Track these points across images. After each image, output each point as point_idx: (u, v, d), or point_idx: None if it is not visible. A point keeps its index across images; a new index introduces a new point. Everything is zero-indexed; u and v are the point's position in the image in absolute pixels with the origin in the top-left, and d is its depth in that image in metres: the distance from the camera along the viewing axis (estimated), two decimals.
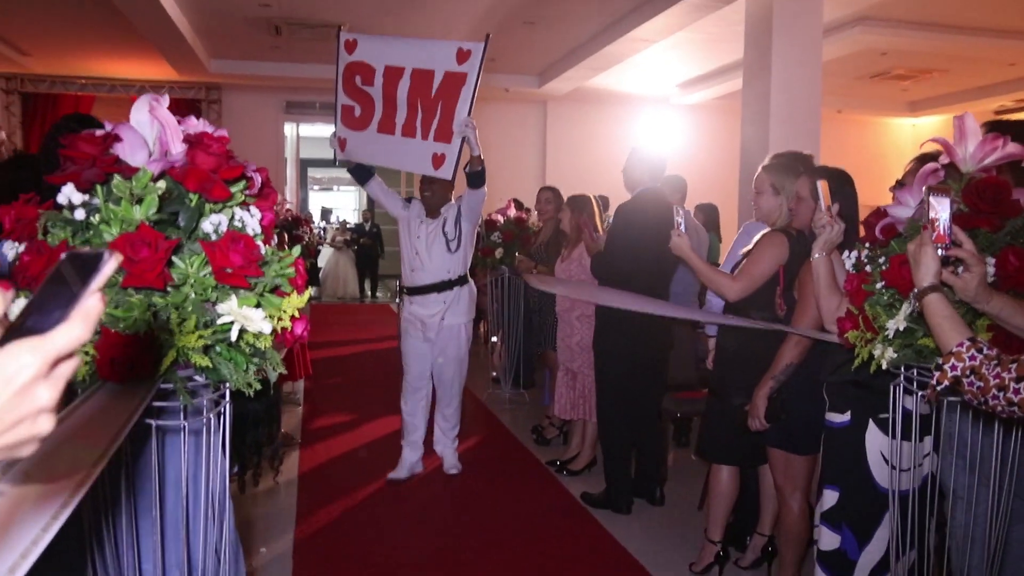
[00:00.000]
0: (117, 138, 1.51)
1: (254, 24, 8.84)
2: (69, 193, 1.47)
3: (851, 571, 2.46)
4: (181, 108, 11.39)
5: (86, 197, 1.49)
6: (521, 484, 4.45)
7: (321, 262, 13.44)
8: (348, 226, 14.77)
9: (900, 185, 2.25)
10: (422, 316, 4.25)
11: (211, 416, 1.66)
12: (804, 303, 2.68)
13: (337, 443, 5.14)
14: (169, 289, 1.48)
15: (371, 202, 13.56)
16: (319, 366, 6.69)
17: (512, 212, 6.49)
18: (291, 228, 6.91)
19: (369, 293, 14.25)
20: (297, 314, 1.63)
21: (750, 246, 3.06)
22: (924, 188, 1.77)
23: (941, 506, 2.31)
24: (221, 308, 1.51)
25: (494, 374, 6.74)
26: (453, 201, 4.26)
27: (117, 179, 1.49)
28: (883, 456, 2.36)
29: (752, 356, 2.93)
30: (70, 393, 1.24)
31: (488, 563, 3.46)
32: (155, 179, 1.52)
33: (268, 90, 12.05)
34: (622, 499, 3.99)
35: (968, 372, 1.53)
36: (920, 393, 2.00)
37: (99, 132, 1.52)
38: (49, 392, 0.57)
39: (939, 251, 1.68)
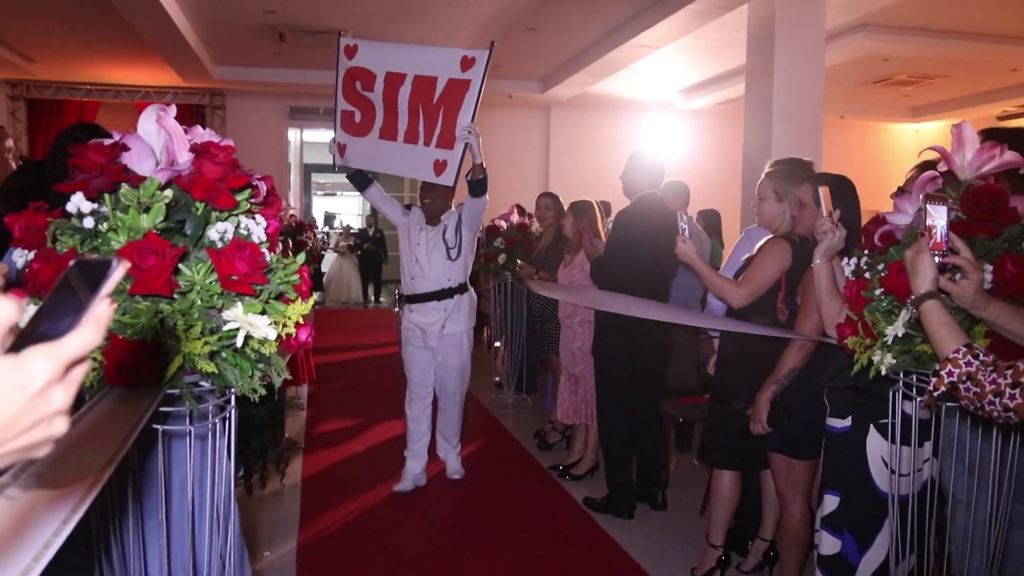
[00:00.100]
0: (125, 147, 1.54)
1: (258, 31, 8.89)
2: (78, 202, 1.49)
3: (852, 575, 2.47)
4: (185, 114, 11.41)
5: (94, 205, 1.52)
6: (524, 489, 4.46)
7: (325, 267, 13.50)
8: (352, 231, 14.81)
9: (901, 192, 2.26)
10: (422, 324, 4.22)
11: (216, 421, 1.68)
12: (806, 308, 2.70)
13: (341, 447, 5.16)
14: (176, 296, 1.50)
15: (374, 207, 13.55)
16: (322, 371, 6.71)
17: (515, 218, 6.51)
18: (295, 234, 6.95)
19: (373, 298, 14.28)
20: (302, 320, 1.65)
21: (753, 252, 3.08)
22: (921, 196, 1.79)
23: (941, 510, 2.32)
24: (227, 315, 1.53)
25: (497, 379, 6.76)
26: (453, 208, 4.24)
27: (125, 188, 1.51)
28: (884, 461, 2.37)
29: (754, 361, 2.95)
30: (78, 399, 1.26)
31: (491, 567, 3.48)
32: (162, 188, 1.54)
33: (272, 96, 12.09)
34: (624, 504, 4.01)
35: (964, 378, 1.54)
36: (919, 399, 2.01)
37: (107, 141, 1.55)
38: (64, 395, 0.60)
39: (936, 258, 1.70)
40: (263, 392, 1.63)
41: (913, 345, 1.95)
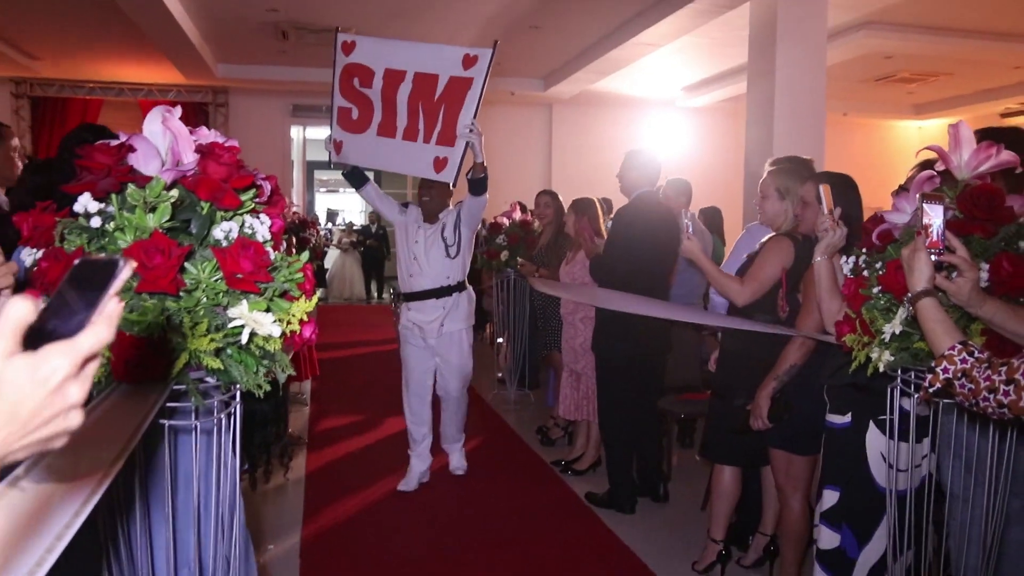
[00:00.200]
0: (131, 148, 1.56)
1: (261, 29, 8.91)
2: (85, 202, 1.51)
3: (850, 570, 2.50)
4: (188, 112, 11.47)
5: (101, 205, 1.54)
6: (526, 484, 4.49)
7: (327, 264, 13.53)
8: (354, 228, 14.84)
9: (902, 190, 2.28)
10: (421, 322, 4.20)
11: (222, 416, 1.70)
12: (808, 306, 2.72)
13: (344, 443, 5.19)
14: (182, 294, 1.53)
15: None
16: (325, 366, 6.74)
17: (517, 215, 6.53)
18: (298, 231, 6.98)
19: (375, 294, 14.31)
20: (306, 317, 1.68)
21: (755, 249, 3.10)
22: (918, 195, 1.81)
23: (940, 506, 2.34)
24: (232, 312, 1.56)
25: (500, 375, 6.79)
26: (452, 207, 4.23)
27: (131, 188, 1.53)
28: (883, 457, 2.39)
29: (755, 357, 2.97)
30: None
31: (493, 562, 3.50)
32: (168, 188, 1.56)
33: (275, 94, 12.11)
34: (626, 499, 4.03)
35: (960, 375, 1.56)
36: (916, 395, 2.03)
37: (113, 143, 1.57)
38: (79, 390, 0.63)
39: (933, 256, 1.72)
40: (268, 388, 1.66)
41: (911, 342, 1.97)
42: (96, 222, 1.53)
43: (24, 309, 0.61)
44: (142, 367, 1.48)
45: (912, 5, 7.39)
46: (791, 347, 2.81)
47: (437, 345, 4.24)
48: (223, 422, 1.71)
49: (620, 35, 8.51)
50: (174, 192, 1.57)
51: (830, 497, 2.54)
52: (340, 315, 11.77)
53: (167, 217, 1.54)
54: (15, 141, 3.29)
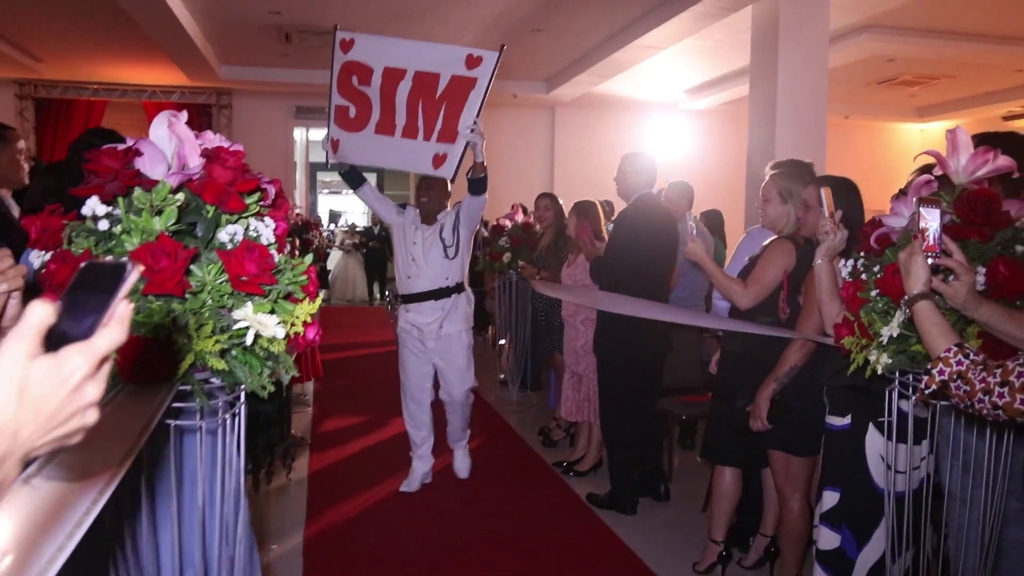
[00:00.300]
0: (138, 152, 1.59)
1: (264, 31, 8.94)
2: (93, 205, 1.54)
3: (850, 570, 2.51)
4: (192, 113, 11.47)
5: (109, 208, 1.57)
6: (528, 485, 4.51)
7: (330, 265, 13.55)
8: (357, 229, 14.85)
9: (902, 194, 2.30)
10: (419, 324, 4.18)
11: (227, 417, 1.73)
12: (808, 308, 2.74)
13: (346, 444, 5.21)
14: (187, 296, 1.55)
15: None
16: (328, 368, 6.76)
17: (520, 217, 6.56)
18: (301, 232, 7.00)
19: (378, 296, 14.33)
20: (309, 319, 1.70)
21: (757, 252, 3.12)
22: (915, 199, 1.83)
23: (939, 507, 2.36)
24: (237, 314, 1.58)
25: (502, 376, 6.82)
26: (450, 208, 4.21)
27: (138, 191, 1.56)
28: (882, 458, 2.41)
29: (756, 359, 2.98)
30: None
31: (495, 562, 3.52)
32: (174, 191, 1.59)
33: (278, 96, 12.14)
34: (627, 500, 4.05)
35: (955, 377, 1.58)
36: (914, 397, 2.05)
37: (121, 147, 1.59)
38: (96, 389, 0.67)
39: (929, 260, 1.73)
40: (272, 389, 1.68)
41: (908, 345, 1.99)
42: (103, 225, 1.56)
43: (45, 312, 0.64)
44: (148, 368, 1.50)
45: (914, 8, 7.41)
46: (791, 349, 2.83)
47: (436, 347, 4.21)
48: (228, 422, 1.73)
49: (623, 38, 8.53)
50: (180, 196, 1.60)
51: (830, 498, 2.56)
52: (343, 316, 11.79)
53: (173, 220, 1.56)
54: (21, 143, 3.31)
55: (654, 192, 4.18)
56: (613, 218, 5.17)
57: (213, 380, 1.64)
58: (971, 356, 1.58)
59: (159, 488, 1.79)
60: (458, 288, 4.20)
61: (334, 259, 14.02)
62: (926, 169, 2.47)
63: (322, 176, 17.50)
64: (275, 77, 11.08)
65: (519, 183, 11.57)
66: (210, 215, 1.63)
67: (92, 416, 0.68)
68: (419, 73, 3.78)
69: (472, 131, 3.72)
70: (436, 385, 4.39)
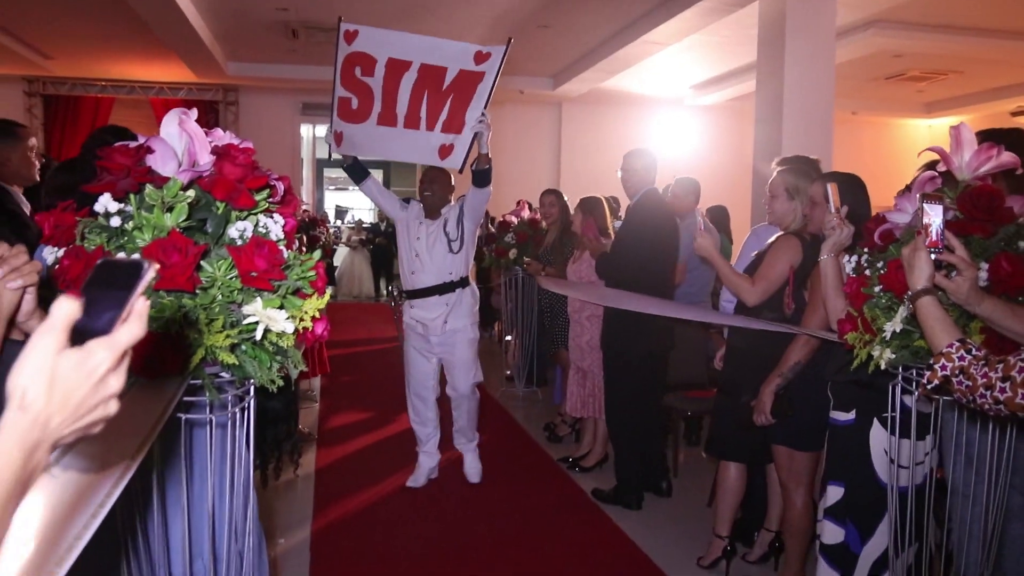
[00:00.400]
0: (149, 150, 1.61)
1: (271, 28, 8.97)
2: (105, 202, 1.56)
3: (853, 564, 2.53)
4: (199, 110, 11.50)
5: (121, 205, 1.59)
6: (534, 480, 4.53)
7: (337, 261, 13.59)
8: (364, 225, 14.88)
9: (907, 191, 2.31)
10: (424, 319, 4.16)
11: (236, 411, 1.75)
12: (814, 304, 2.75)
13: (353, 440, 5.25)
14: (198, 291, 1.57)
15: None
16: (335, 364, 6.79)
17: (526, 213, 6.58)
18: (308, 229, 7.03)
19: (384, 292, 14.35)
20: (318, 314, 1.72)
21: (763, 248, 3.13)
22: (919, 195, 1.84)
23: (941, 502, 2.37)
24: (246, 309, 1.60)
25: (508, 372, 6.84)
26: (453, 202, 4.19)
27: (149, 188, 1.58)
28: (886, 453, 2.42)
29: (761, 355, 2.99)
30: None
31: (500, 557, 3.55)
32: (185, 188, 1.61)
33: (285, 92, 12.17)
34: (632, 495, 4.07)
35: (957, 372, 1.60)
36: (916, 392, 2.07)
37: (132, 144, 1.62)
38: (118, 381, 0.71)
39: (932, 255, 1.75)
40: (280, 383, 1.70)
41: (911, 340, 2.00)
42: (116, 221, 1.58)
43: (72, 308, 0.68)
44: (160, 362, 1.53)
45: (921, 3, 7.38)
46: (795, 344, 2.84)
47: (441, 343, 4.19)
48: (237, 416, 1.76)
49: (629, 34, 8.53)
50: (191, 192, 1.62)
51: (834, 493, 2.57)
52: (349, 313, 11.82)
53: (184, 217, 1.58)
54: (32, 141, 3.34)
55: (658, 189, 4.20)
56: (620, 214, 5.19)
57: (223, 374, 1.67)
58: (973, 352, 1.59)
59: (169, 481, 1.81)
60: (463, 283, 4.17)
61: (341, 255, 14.06)
62: (932, 165, 2.49)
63: (329, 172, 17.52)
64: (282, 73, 11.11)
65: (525, 179, 11.59)
66: (220, 211, 1.65)
67: (114, 407, 0.72)
68: (425, 66, 3.77)
69: (480, 121, 3.70)
70: (443, 382, 4.39)
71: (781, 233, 3.07)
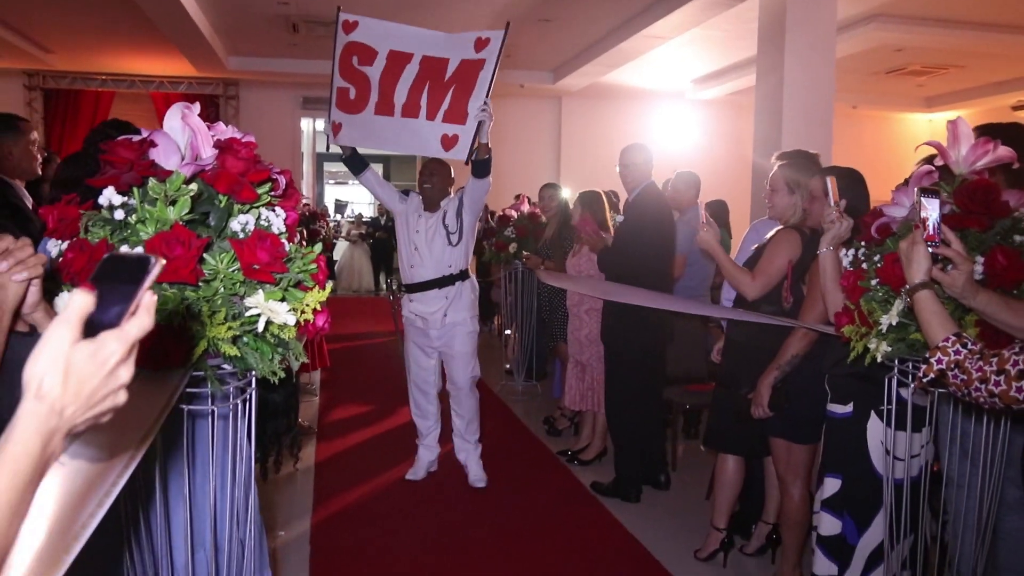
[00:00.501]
0: (152, 144, 1.62)
1: (272, 22, 8.97)
2: (109, 195, 1.58)
3: (850, 556, 2.55)
4: (199, 103, 11.50)
5: (124, 198, 1.60)
6: (533, 473, 4.55)
7: (336, 255, 13.60)
8: (363, 219, 14.89)
9: (905, 184, 2.32)
10: (423, 313, 4.12)
11: (238, 402, 1.77)
12: (812, 298, 2.76)
13: (353, 433, 5.27)
14: (201, 284, 1.59)
15: None
16: (335, 357, 6.80)
17: (526, 207, 6.59)
18: (308, 223, 7.05)
19: (384, 286, 14.36)
20: (319, 307, 1.74)
21: (763, 241, 3.14)
22: (916, 189, 1.85)
23: (936, 494, 2.39)
24: (249, 301, 1.62)
25: (507, 366, 6.86)
26: (453, 194, 4.15)
27: (152, 182, 1.59)
28: (883, 445, 2.44)
29: (760, 348, 3.01)
30: None
31: (500, 549, 3.57)
32: (187, 182, 1.62)
33: (285, 86, 12.17)
34: (631, 488, 4.09)
35: (952, 366, 1.61)
36: (912, 385, 2.08)
37: (136, 138, 1.63)
38: (128, 372, 0.74)
39: (928, 249, 1.76)
40: (282, 375, 1.72)
41: (907, 333, 2.01)
42: (119, 214, 1.59)
43: (86, 301, 0.71)
44: (163, 354, 1.54)
45: None
46: (793, 338, 2.86)
47: (441, 336, 4.16)
48: (239, 407, 1.77)
49: (630, 28, 8.53)
50: (193, 186, 1.63)
51: (831, 485, 2.59)
52: (349, 306, 11.84)
53: (187, 210, 1.60)
54: (34, 135, 3.35)
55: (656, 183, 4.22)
56: (621, 207, 5.20)
57: (225, 366, 1.68)
58: (969, 345, 1.61)
59: (172, 472, 1.83)
60: (462, 275, 4.13)
61: (340, 249, 14.07)
62: (930, 160, 2.50)
63: (329, 166, 17.53)
64: (282, 68, 11.11)
65: (525, 173, 11.59)
66: (223, 205, 1.66)
67: (123, 397, 0.74)
68: (427, 57, 3.74)
69: (483, 110, 3.66)
70: (443, 377, 4.39)
71: (781, 227, 3.08)
